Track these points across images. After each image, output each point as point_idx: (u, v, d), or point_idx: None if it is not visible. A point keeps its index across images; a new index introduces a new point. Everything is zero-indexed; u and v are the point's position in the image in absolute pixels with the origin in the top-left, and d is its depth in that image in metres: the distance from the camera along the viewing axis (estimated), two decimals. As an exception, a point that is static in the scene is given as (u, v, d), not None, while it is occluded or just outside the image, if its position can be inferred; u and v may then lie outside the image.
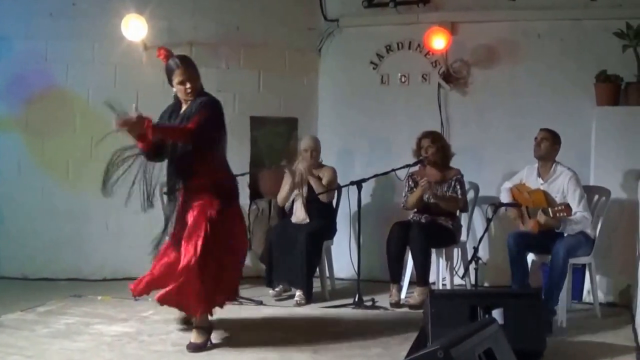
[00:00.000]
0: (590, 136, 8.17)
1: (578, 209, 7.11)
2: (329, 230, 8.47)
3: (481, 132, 8.96)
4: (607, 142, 8.00)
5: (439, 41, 8.75)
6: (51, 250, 9.00)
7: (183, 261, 5.93)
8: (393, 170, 7.99)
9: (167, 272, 6.20)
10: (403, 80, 9.23)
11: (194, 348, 6.00)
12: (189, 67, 6.28)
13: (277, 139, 9.51)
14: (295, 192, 8.35)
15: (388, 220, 8.24)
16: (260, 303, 7.83)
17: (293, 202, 8.44)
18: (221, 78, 9.09)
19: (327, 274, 8.48)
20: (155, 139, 5.94)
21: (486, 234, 7.35)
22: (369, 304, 7.76)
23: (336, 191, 8.50)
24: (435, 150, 8.08)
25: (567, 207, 6.94)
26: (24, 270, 9.02)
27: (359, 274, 7.83)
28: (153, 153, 6.15)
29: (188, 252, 5.93)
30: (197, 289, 5.93)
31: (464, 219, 8.35)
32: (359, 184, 7.81)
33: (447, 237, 8.01)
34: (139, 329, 6.74)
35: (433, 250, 7.92)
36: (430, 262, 7.86)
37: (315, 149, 8.34)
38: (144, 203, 6.26)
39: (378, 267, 8.55)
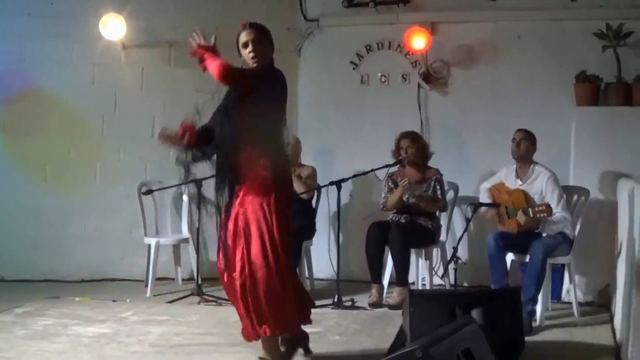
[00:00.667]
0: (570, 136, 8.18)
1: (557, 210, 7.13)
2: (309, 231, 8.47)
3: (461, 132, 8.96)
4: (586, 142, 8.00)
5: (419, 41, 8.74)
6: (29, 251, 8.96)
7: None
8: (372, 170, 7.99)
9: None
10: (383, 80, 9.21)
11: None
12: (256, 30, 5.57)
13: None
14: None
15: (367, 220, 8.21)
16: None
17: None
18: (200, 78, 8.97)
19: (307, 274, 8.48)
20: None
21: (466, 234, 7.34)
22: (348, 304, 7.75)
23: (316, 191, 8.49)
24: (415, 150, 8.09)
25: (548, 208, 6.96)
26: (1, 271, 8.99)
27: (338, 274, 7.81)
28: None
29: None
30: None
31: (443, 218, 8.36)
32: (338, 184, 7.79)
33: (426, 237, 8.01)
34: (116, 330, 6.71)
35: (413, 250, 7.93)
36: (409, 262, 7.86)
37: (296, 149, 8.32)
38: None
39: (357, 267, 8.55)
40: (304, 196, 8.20)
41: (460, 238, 7.08)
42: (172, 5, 9.07)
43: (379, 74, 9.22)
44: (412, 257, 7.95)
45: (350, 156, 9.16)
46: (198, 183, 7.75)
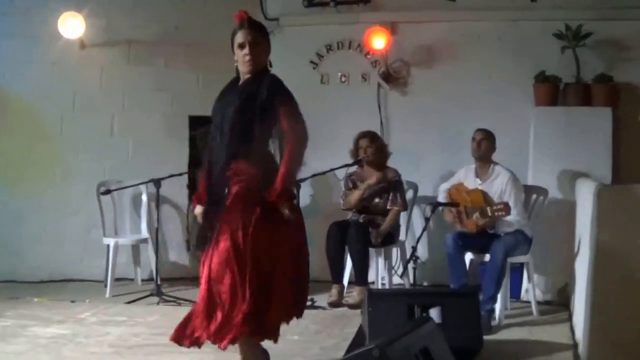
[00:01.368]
0: (529, 136, 8.23)
1: (513, 212, 7.15)
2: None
3: (420, 132, 8.95)
4: (545, 142, 8.07)
5: (379, 41, 8.75)
6: (-14, 252, 8.86)
7: None
8: (331, 170, 8.00)
9: None
10: (343, 80, 9.20)
11: None
12: (255, 31, 5.14)
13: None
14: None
15: (327, 220, 8.21)
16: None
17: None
18: (160, 77, 9.03)
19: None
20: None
21: (425, 233, 7.36)
22: (308, 304, 7.73)
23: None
24: (374, 150, 8.10)
25: (506, 206, 7.00)
26: (-42, 272, 8.88)
27: (298, 274, 7.79)
28: None
29: None
30: None
31: (402, 218, 8.36)
32: (297, 183, 7.77)
33: (385, 237, 8.02)
34: (75, 331, 6.67)
35: (372, 250, 7.93)
36: (368, 261, 7.88)
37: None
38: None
39: (318, 266, 8.50)
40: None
41: (419, 237, 7.09)
42: (132, 4, 9.01)
43: (339, 74, 9.20)
44: (372, 256, 7.95)
45: (309, 155, 9.11)
46: (157, 183, 7.72)
